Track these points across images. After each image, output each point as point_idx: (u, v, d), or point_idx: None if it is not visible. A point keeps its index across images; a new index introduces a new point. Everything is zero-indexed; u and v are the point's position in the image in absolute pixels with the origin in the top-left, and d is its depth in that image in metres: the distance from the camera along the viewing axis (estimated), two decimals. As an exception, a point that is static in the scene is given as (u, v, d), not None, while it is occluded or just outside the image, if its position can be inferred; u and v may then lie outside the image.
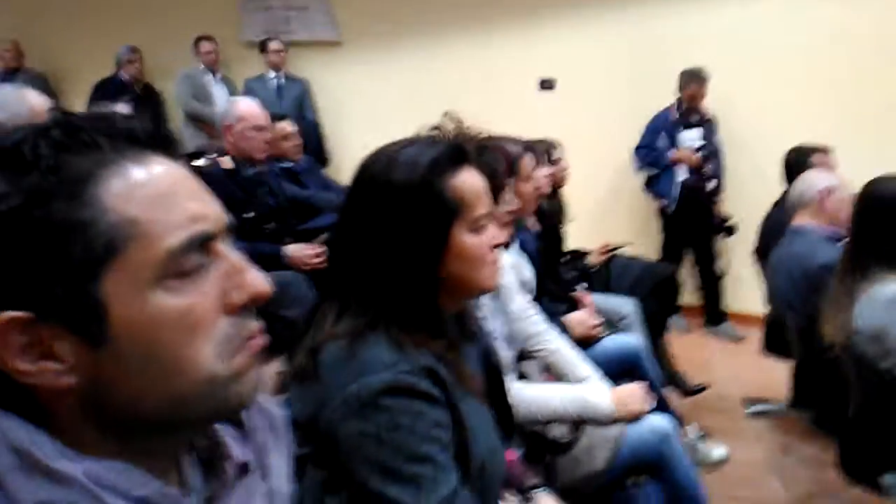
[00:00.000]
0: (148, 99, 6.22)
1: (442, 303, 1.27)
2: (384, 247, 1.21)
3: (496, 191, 1.47)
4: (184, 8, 6.80)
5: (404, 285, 1.21)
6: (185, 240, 0.68)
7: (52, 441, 0.66)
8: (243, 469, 0.79)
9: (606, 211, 5.72)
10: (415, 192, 1.21)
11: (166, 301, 0.67)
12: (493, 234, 1.28)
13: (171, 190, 0.68)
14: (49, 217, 0.64)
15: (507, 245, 2.19)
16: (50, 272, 0.64)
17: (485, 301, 2.09)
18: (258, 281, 0.72)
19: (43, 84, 6.28)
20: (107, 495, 0.65)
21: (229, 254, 0.72)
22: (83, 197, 0.65)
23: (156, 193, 0.68)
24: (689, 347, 4.87)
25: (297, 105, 6.18)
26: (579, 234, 4.61)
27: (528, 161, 2.51)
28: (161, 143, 0.71)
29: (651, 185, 5.35)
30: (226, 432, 0.80)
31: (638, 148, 5.32)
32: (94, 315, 0.65)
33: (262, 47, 6.30)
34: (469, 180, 1.25)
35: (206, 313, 0.68)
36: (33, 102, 2.38)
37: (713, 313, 5.42)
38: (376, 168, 1.24)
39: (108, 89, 5.97)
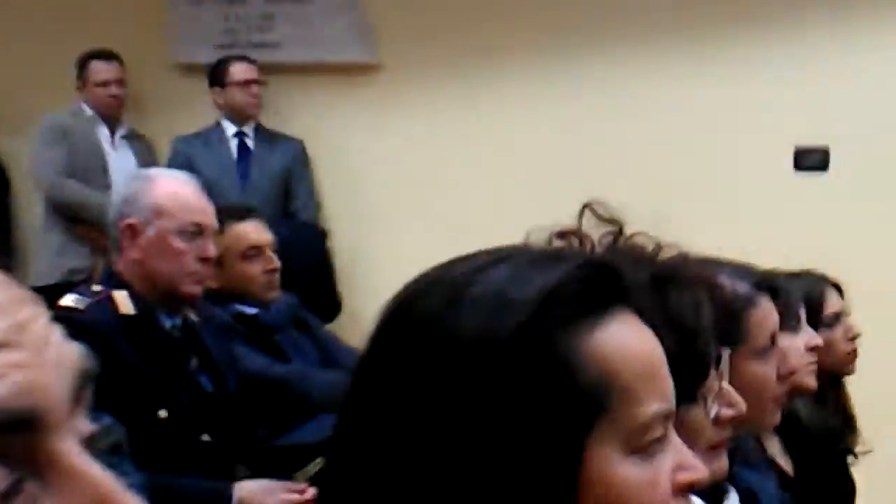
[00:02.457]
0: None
1: None
2: (438, 479, 0.81)
3: (692, 372, 1.22)
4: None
5: None
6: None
7: None
8: None
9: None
10: (500, 363, 0.81)
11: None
12: (679, 459, 0.86)
13: None
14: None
15: (712, 491, 1.62)
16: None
17: None
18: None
19: None
20: None
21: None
22: None
23: None
24: None
25: (278, 190, 4.74)
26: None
27: (765, 315, 1.86)
28: None
29: None
30: None
31: None
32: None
33: (216, 75, 4.72)
34: (628, 343, 0.86)
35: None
36: None
37: None
38: (428, 308, 0.85)
39: None
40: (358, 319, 4.58)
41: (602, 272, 0.87)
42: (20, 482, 0.43)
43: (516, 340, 0.80)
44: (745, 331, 1.87)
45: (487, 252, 0.90)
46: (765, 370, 1.91)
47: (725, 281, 1.80)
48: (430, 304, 0.84)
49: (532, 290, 0.82)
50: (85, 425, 0.48)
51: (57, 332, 0.48)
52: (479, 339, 0.81)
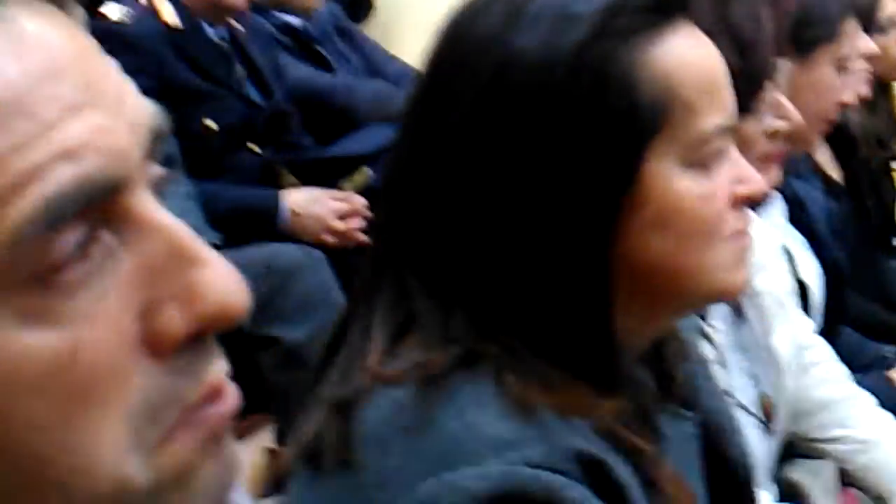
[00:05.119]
0: None
1: (618, 322, 0.81)
2: (495, 198, 0.78)
3: (751, 84, 1.17)
4: None
5: (536, 279, 0.78)
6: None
7: None
8: None
9: None
10: (562, 79, 0.78)
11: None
12: (737, 172, 0.83)
13: None
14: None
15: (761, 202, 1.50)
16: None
17: (716, 325, 1.43)
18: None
19: None
20: None
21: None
22: None
23: None
24: None
25: None
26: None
27: (850, 25, 1.86)
28: None
29: None
30: None
31: None
32: None
33: None
34: (689, 56, 0.82)
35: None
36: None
37: None
38: (487, 27, 0.80)
39: None
40: (394, 25, 4.40)
41: None
42: (97, 234, 0.42)
43: (578, 56, 0.78)
44: (828, 35, 1.83)
45: None
46: (834, 79, 1.84)
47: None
48: (488, 22, 0.81)
49: (593, 4, 0.80)
50: (155, 170, 0.46)
51: (130, 86, 0.45)
52: (541, 56, 0.79)
